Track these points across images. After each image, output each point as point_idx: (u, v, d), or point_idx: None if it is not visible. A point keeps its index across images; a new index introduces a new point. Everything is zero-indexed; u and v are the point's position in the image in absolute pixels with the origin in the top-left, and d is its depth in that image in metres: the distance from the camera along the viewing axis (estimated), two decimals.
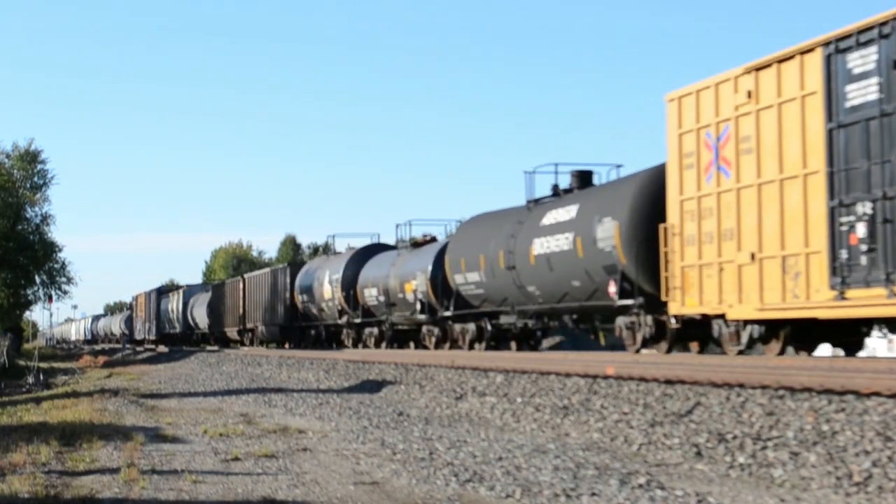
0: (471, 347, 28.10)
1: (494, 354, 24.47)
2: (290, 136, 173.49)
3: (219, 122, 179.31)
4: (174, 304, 73.46)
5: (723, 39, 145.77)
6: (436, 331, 30.64)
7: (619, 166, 24.37)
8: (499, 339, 28.03)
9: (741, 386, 12.66)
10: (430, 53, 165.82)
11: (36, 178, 47.65)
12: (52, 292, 50.04)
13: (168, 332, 75.54)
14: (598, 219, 21.50)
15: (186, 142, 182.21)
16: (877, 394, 10.79)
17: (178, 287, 78.28)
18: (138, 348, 79.15)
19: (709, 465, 10.99)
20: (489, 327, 27.63)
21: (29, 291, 50.00)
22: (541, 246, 23.73)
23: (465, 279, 27.85)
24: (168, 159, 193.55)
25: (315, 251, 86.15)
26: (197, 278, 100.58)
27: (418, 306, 30.96)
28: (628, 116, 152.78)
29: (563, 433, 14.01)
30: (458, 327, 29.19)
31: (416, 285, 30.94)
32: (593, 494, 9.50)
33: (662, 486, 9.79)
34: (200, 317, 64.75)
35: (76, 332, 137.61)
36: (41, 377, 36.29)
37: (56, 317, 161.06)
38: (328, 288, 39.01)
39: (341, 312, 38.08)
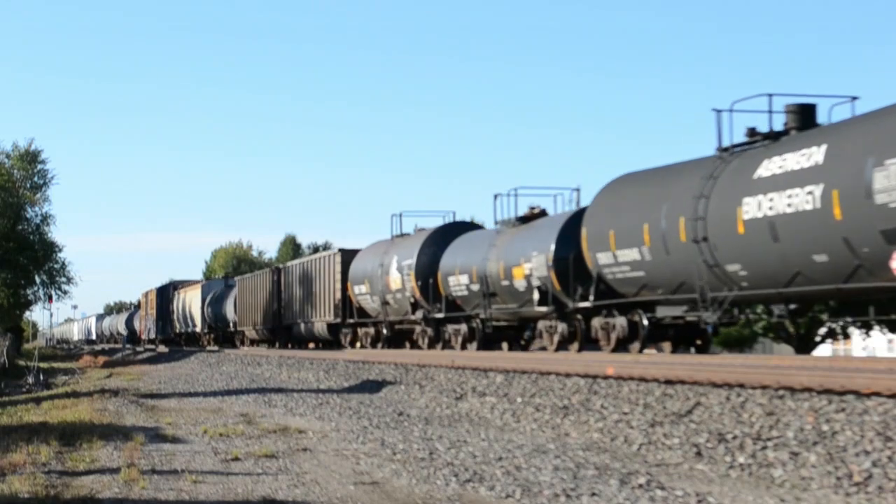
0: (617, 348, 21.33)
1: (494, 354, 24.42)
2: (290, 136, 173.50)
3: (219, 122, 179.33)
4: (190, 300, 66.02)
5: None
6: (560, 327, 23.55)
7: (854, 98, 18.01)
8: (651, 339, 21.41)
9: (741, 386, 12.67)
10: (430, 53, 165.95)
11: (36, 178, 47.62)
12: (52, 292, 50.04)
13: (183, 331, 68.64)
14: (873, 161, 15.07)
15: (186, 142, 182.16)
16: (877, 394, 10.80)
17: (194, 282, 70.43)
18: (138, 348, 78.88)
19: (709, 465, 10.99)
20: (645, 322, 20.63)
21: (29, 291, 49.99)
22: (758, 207, 17.32)
23: (615, 258, 21.00)
24: (168, 159, 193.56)
25: (315, 251, 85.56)
26: (197, 278, 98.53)
27: (535, 296, 24.08)
28: (627, 117, 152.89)
29: (563, 433, 14.01)
30: (597, 322, 22.13)
31: (531, 269, 24.29)
32: (593, 494, 9.50)
33: (662, 486, 9.79)
34: (223, 314, 57.65)
35: (78, 331, 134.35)
36: (41, 377, 36.27)
37: (56, 317, 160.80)
38: (396, 277, 31.81)
39: (415, 306, 30.79)
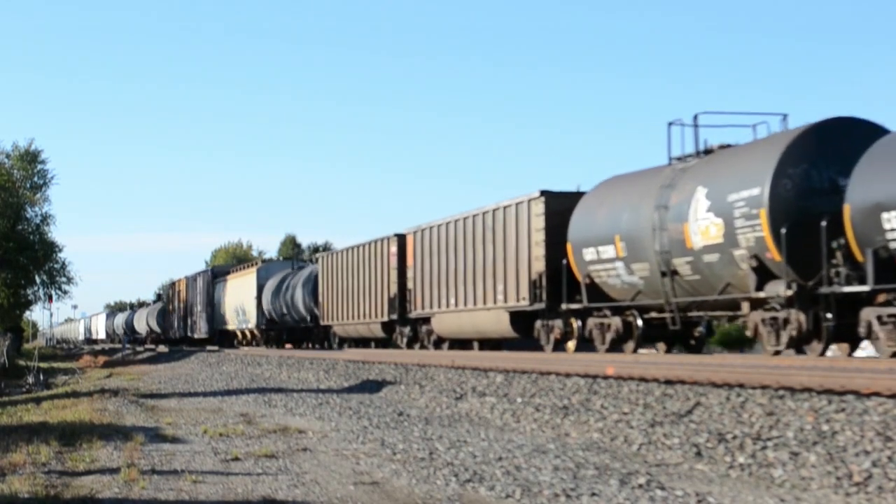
0: None
1: (494, 354, 24.39)
2: (290, 136, 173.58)
3: (218, 121, 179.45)
4: (239, 290, 52.57)
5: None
6: None
7: None
8: None
9: (741, 386, 12.67)
10: (430, 53, 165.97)
11: (36, 178, 47.68)
12: (52, 292, 50.12)
13: (231, 328, 55.47)
14: None
15: (187, 142, 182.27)
16: (877, 394, 10.81)
17: (243, 266, 56.36)
18: (138, 348, 78.48)
19: (709, 465, 10.99)
20: None
21: (29, 291, 50.08)
22: None
23: None
24: (168, 159, 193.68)
25: (315, 251, 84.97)
26: None
27: None
28: (627, 115, 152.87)
29: (563, 433, 14.01)
30: None
31: None
32: (593, 494, 9.50)
33: (662, 486, 9.79)
34: (295, 305, 44.42)
35: (84, 330, 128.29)
36: (41, 377, 36.29)
37: (56, 317, 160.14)
38: (710, 223, 18.16)
39: (763, 274, 17.39)
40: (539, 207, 23.73)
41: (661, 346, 21.68)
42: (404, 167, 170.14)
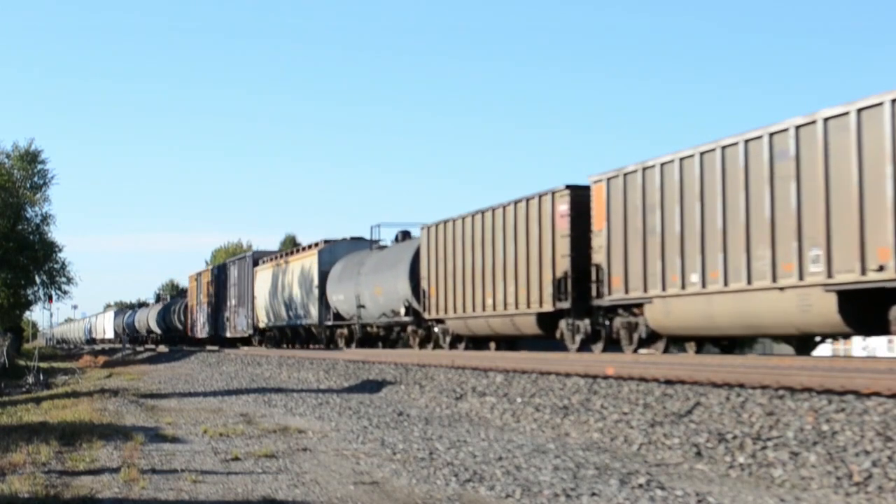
0: None
1: (494, 354, 24.40)
2: (290, 136, 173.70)
3: (219, 121, 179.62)
4: (291, 277, 42.76)
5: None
6: None
7: None
8: None
9: (741, 386, 12.67)
10: (430, 54, 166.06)
11: (36, 178, 47.63)
12: (52, 292, 50.07)
13: (277, 324, 45.38)
14: None
15: (186, 142, 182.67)
16: (877, 394, 10.81)
17: (291, 250, 47.13)
18: (138, 348, 78.34)
19: (709, 465, 10.99)
20: None
21: (29, 291, 50.03)
22: None
23: None
24: (168, 159, 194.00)
25: None
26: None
27: None
28: (626, 115, 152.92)
29: (563, 433, 14.01)
30: None
31: None
32: (593, 494, 9.50)
33: (662, 486, 9.79)
34: (376, 294, 33.75)
35: (87, 330, 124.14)
36: (41, 377, 36.27)
37: (56, 317, 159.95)
38: None
39: None
40: None
41: None
42: (405, 167, 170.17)
